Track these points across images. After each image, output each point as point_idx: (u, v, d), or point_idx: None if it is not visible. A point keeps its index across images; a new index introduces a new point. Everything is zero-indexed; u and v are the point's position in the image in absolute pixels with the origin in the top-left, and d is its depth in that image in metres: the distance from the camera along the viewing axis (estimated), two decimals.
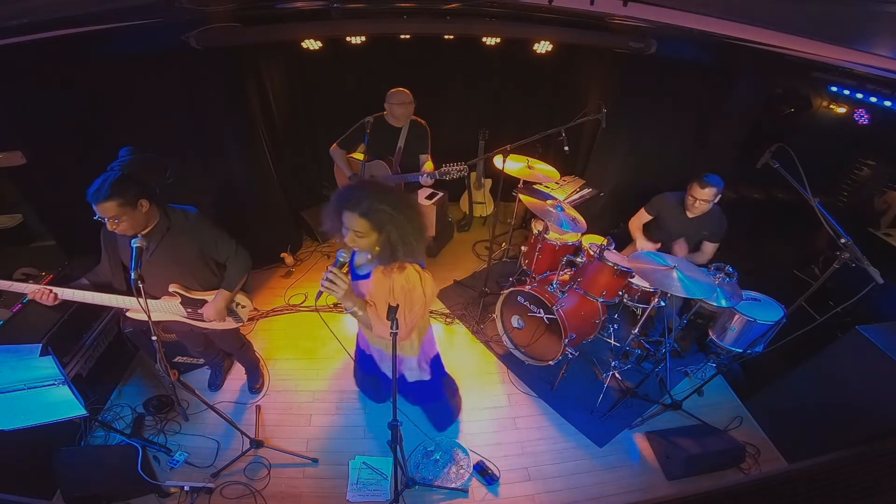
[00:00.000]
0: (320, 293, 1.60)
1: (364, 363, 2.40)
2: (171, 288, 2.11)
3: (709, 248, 2.95)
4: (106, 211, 1.74)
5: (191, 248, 2.06)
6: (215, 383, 2.92)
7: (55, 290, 1.93)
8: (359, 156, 3.16)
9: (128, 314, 2.17)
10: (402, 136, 2.99)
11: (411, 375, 2.18)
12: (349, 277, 1.74)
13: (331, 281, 1.54)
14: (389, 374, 2.13)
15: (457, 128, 4.40)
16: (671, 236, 3.01)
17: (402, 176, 3.03)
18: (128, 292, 2.06)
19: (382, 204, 1.52)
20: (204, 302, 2.18)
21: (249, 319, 3.41)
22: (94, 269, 2.10)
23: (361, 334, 2.28)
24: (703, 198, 2.71)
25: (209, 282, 2.20)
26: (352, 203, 1.52)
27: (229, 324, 2.37)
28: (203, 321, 2.26)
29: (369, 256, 1.70)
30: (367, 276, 1.75)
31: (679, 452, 2.47)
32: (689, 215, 2.86)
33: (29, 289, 1.91)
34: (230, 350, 2.71)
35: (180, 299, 2.16)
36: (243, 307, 2.37)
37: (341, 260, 1.59)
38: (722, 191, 2.73)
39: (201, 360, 2.96)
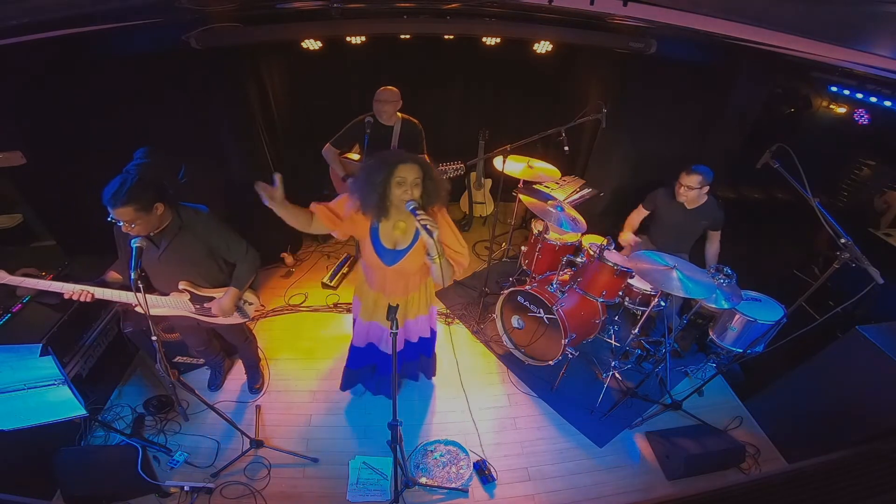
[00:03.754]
0: (427, 227, 1.69)
1: (359, 358, 2.55)
2: (181, 285, 2.13)
3: (713, 235, 3.03)
4: (122, 215, 1.76)
5: (201, 246, 2.09)
6: (215, 383, 2.92)
7: (90, 289, 1.97)
8: (352, 155, 3.15)
9: (136, 309, 2.17)
10: (394, 135, 2.99)
11: (423, 329, 2.45)
12: None
13: (428, 218, 1.68)
14: (389, 351, 2.21)
15: (457, 128, 4.39)
16: (672, 229, 3.06)
17: None
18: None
19: (414, 155, 1.81)
20: (212, 298, 2.21)
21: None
22: (114, 263, 2.12)
23: (359, 327, 2.41)
24: (688, 184, 2.79)
25: (217, 279, 2.22)
26: (405, 157, 1.76)
27: (235, 319, 2.39)
28: (210, 316, 2.28)
29: (411, 208, 1.78)
30: (416, 239, 1.95)
31: (679, 452, 2.47)
32: (687, 207, 2.93)
33: (66, 288, 1.94)
34: (235, 343, 2.71)
35: (189, 296, 2.18)
36: (250, 304, 2.39)
37: (416, 204, 1.73)
38: (710, 181, 2.79)
39: (201, 360, 2.96)
